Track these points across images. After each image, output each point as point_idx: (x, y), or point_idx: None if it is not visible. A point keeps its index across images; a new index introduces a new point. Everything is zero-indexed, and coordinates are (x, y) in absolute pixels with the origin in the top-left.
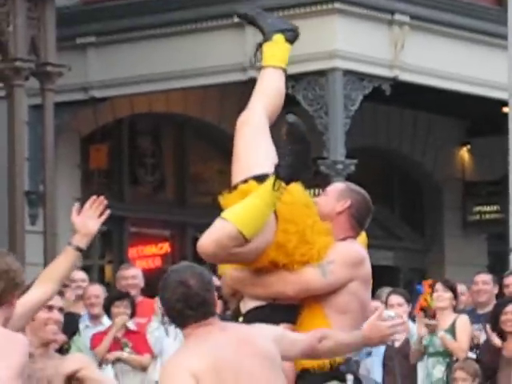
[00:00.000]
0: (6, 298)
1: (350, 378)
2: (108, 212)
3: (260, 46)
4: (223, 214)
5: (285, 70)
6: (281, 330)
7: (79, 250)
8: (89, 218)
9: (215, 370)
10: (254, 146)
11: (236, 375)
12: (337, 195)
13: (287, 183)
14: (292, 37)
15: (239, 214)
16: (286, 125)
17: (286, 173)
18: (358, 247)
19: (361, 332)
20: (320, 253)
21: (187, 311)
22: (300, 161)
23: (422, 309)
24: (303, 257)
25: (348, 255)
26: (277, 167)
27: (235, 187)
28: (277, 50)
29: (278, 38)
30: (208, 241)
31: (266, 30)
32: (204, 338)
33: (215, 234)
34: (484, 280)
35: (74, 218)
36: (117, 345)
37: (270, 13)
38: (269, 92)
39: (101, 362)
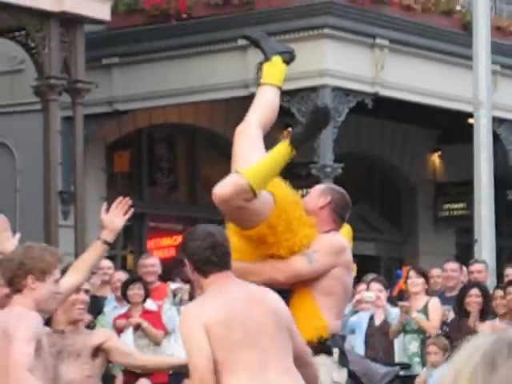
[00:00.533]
0: (20, 284)
1: (335, 351)
2: (131, 211)
3: (261, 65)
4: (239, 170)
5: (280, 88)
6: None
7: (107, 243)
8: (115, 216)
9: (225, 321)
10: (249, 152)
11: (243, 327)
12: (318, 193)
13: (296, 149)
14: (289, 58)
15: (252, 172)
16: (315, 106)
17: (301, 139)
18: (339, 238)
19: None
20: (302, 241)
21: (214, 258)
22: (315, 130)
23: (401, 290)
24: (287, 242)
25: (330, 245)
26: (295, 134)
27: None
28: (275, 70)
29: (277, 59)
30: (224, 188)
31: (267, 51)
32: (221, 290)
33: (230, 183)
34: (452, 268)
35: (103, 215)
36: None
37: (270, 37)
38: (264, 107)
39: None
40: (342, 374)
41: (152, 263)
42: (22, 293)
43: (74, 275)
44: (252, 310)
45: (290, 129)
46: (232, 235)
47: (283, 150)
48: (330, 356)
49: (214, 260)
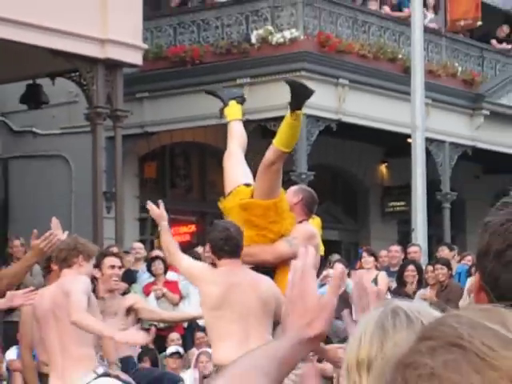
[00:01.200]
0: (72, 261)
1: None
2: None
3: (222, 110)
4: (274, 142)
5: (241, 120)
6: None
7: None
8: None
9: (218, 297)
10: (235, 171)
11: (233, 305)
12: (293, 192)
13: (298, 110)
14: (241, 100)
15: (277, 140)
16: (287, 83)
17: (294, 105)
18: (310, 227)
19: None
20: (288, 226)
21: (226, 247)
22: (300, 96)
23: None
24: (276, 225)
25: (305, 232)
26: (289, 104)
27: (228, 194)
28: (233, 110)
29: (232, 103)
30: (267, 156)
31: (224, 99)
32: (227, 272)
33: (270, 152)
34: (396, 249)
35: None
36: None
37: (224, 88)
38: (237, 135)
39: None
40: None
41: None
42: (72, 268)
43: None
44: (245, 294)
45: (287, 79)
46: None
47: (289, 117)
48: None
49: (226, 249)
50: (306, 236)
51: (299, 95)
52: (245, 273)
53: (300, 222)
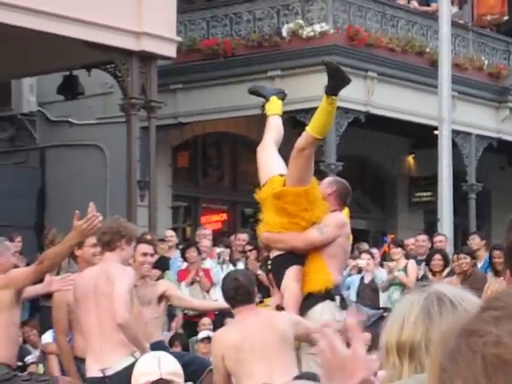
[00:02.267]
0: (115, 245)
1: (337, 298)
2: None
3: (263, 105)
4: (307, 129)
5: (280, 115)
6: (298, 317)
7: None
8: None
9: (236, 345)
10: (269, 162)
11: (252, 347)
12: (327, 183)
13: (334, 95)
14: (282, 96)
15: (311, 126)
16: (325, 65)
17: (331, 89)
18: (342, 216)
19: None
20: (319, 214)
21: (237, 296)
22: (337, 80)
23: (385, 252)
24: (307, 213)
25: (336, 221)
26: (326, 88)
27: (263, 185)
28: (274, 105)
29: (273, 98)
30: (299, 141)
31: (265, 95)
32: (241, 319)
33: (302, 137)
34: (423, 239)
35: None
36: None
37: (266, 85)
38: (273, 129)
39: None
40: (342, 315)
41: (207, 233)
42: (114, 251)
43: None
44: (263, 333)
45: (326, 60)
46: (266, 211)
47: (325, 102)
48: (333, 301)
49: (238, 298)
50: (337, 224)
51: (336, 79)
52: (258, 314)
53: (332, 211)
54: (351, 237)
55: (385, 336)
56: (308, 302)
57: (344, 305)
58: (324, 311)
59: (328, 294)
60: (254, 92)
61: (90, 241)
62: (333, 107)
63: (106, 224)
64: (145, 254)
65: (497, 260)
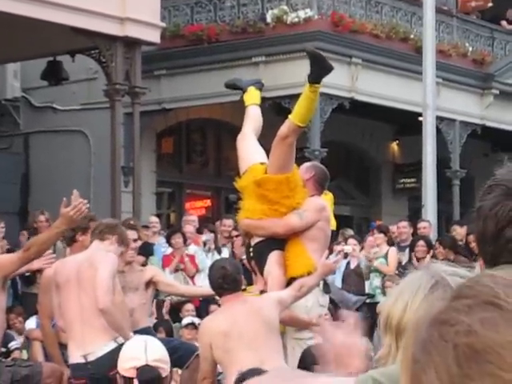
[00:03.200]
0: (106, 236)
1: (320, 282)
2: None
3: (242, 96)
4: (290, 117)
5: (258, 105)
6: (279, 295)
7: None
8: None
9: (224, 332)
10: (249, 150)
11: (240, 335)
12: (305, 169)
13: (317, 83)
14: (259, 86)
15: (294, 114)
16: (307, 53)
17: (313, 77)
18: (321, 200)
19: (319, 273)
20: (299, 201)
21: (224, 285)
22: (320, 68)
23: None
24: (288, 200)
25: (315, 205)
26: (308, 76)
27: (243, 174)
28: (251, 96)
29: (251, 89)
30: (282, 129)
31: (242, 86)
32: (228, 307)
33: (285, 126)
34: (403, 225)
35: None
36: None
37: (241, 78)
38: (253, 119)
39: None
40: (325, 299)
41: (193, 219)
42: (103, 242)
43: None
44: (249, 321)
45: (307, 47)
46: (246, 198)
47: (308, 90)
48: (317, 286)
49: (225, 287)
50: (316, 208)
51: (319, 67)
52: (245, 302)
53: (311, 196)
54: (334, 221)
55: (386, 310)
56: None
57: (327, 289)
58: (308, 298)
59: None
60: (230, 85)
61: None
62: (315, 95)
63: (107, 220)
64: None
65: (473, 245)
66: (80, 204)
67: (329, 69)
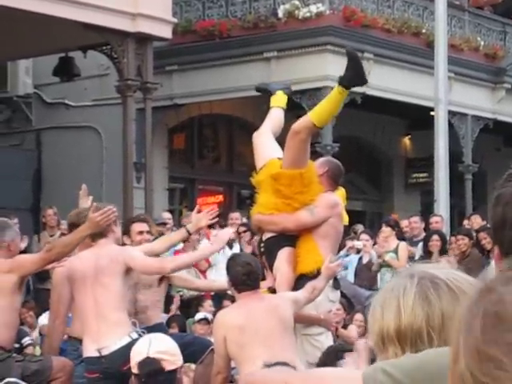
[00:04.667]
0: (107, 232)
1: None
2: (216, 218)
3: (269, 98)
4: (309, 113)
5: (283, 108)
6: (295, 295)
7: (188, 233)
8: (203, 218)
9: (240, 326)
10: (266, 146)
11: (255, 330)
12: (319, 164)
13: (348, 88)
14: (288, 91)
15: (314, 113)
16: (347, 54)
17: (344, 81)
18: (333, 196)
19: (323, 276)
20: (313, 197)
21: (248, 281)
22: (354, 75)
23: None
24: (301, 195)
25: (327, 201)
26: (340, 77)
27: (260, 169)
28: (278, 98)
29: (279, 93)
30: (298, 124)
31: (271, 90)
32: (245, 303)
33: (302, 121)
34: (415, 220)
35: (194, 214)
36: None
37: (272, 82)
38: (272, 119)
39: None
40: (336, 294)
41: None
42: (108, 237)
43: (157, 244)
44: (265, 318)
45: (348, 48)
46: (262, 193)
47: (336, 91)
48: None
49: (248, 283)
50: (328, 205)
51: (354, 73)
52: (262, 299)
53: (325, 191)
54: (346, 217)
55: (377, 324)
56: (300, 283)
57: (337, 284)
58: None
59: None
60: (261, 90)
61: None
62: (341, 98)
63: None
64: (141, 233)
65: (484, 241)
66: (109, 211)
67: (363, 80)
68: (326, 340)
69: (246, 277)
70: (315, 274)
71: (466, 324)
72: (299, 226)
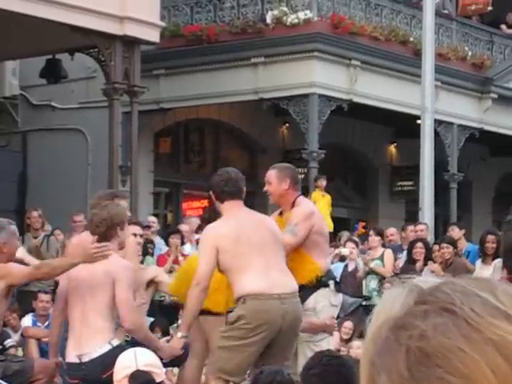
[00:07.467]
0: (111, 234)
1: (331, 282)
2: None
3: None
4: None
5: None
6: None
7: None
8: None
9: (233, 237)
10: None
11: (249, 241)
12: (277, 180)
13: None
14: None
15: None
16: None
17: None
18: (305, 204)
19: None
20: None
21: (225, 188)
22: None
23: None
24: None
25: (303, 214)
26: None
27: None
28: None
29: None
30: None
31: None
32: (234, 215)
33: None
34: (391, 233)
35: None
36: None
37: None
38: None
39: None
40: (338, 298)
41: (193, 221)
42: (111, 241)
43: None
44: (257, 228)
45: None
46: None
47: None
48: (327, 287)
49: (226, 189)
50: (305, 216)
51: None
52: (249, 211)
53: (293, 201)
54: (330, 223)
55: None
56: (301, 295)
57: (339, 288)
58: (318, 300)
59: (320, 282)
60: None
61: None
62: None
63: (98, 216)
64: (134, 235)
65: (489, 245)
66: (105, 248)
67: None
68: (327, 345)
69: (224, 183)
70: (315, 284)
71: (384, 363)
72: (287, 250)
